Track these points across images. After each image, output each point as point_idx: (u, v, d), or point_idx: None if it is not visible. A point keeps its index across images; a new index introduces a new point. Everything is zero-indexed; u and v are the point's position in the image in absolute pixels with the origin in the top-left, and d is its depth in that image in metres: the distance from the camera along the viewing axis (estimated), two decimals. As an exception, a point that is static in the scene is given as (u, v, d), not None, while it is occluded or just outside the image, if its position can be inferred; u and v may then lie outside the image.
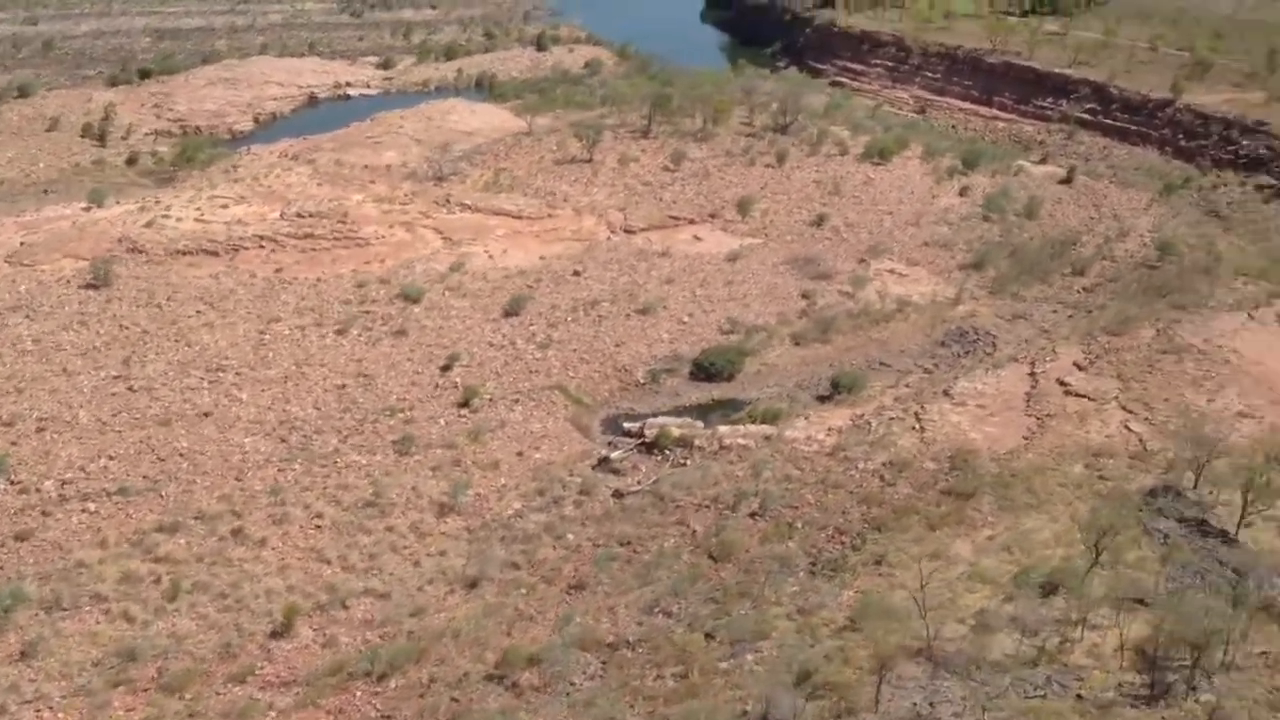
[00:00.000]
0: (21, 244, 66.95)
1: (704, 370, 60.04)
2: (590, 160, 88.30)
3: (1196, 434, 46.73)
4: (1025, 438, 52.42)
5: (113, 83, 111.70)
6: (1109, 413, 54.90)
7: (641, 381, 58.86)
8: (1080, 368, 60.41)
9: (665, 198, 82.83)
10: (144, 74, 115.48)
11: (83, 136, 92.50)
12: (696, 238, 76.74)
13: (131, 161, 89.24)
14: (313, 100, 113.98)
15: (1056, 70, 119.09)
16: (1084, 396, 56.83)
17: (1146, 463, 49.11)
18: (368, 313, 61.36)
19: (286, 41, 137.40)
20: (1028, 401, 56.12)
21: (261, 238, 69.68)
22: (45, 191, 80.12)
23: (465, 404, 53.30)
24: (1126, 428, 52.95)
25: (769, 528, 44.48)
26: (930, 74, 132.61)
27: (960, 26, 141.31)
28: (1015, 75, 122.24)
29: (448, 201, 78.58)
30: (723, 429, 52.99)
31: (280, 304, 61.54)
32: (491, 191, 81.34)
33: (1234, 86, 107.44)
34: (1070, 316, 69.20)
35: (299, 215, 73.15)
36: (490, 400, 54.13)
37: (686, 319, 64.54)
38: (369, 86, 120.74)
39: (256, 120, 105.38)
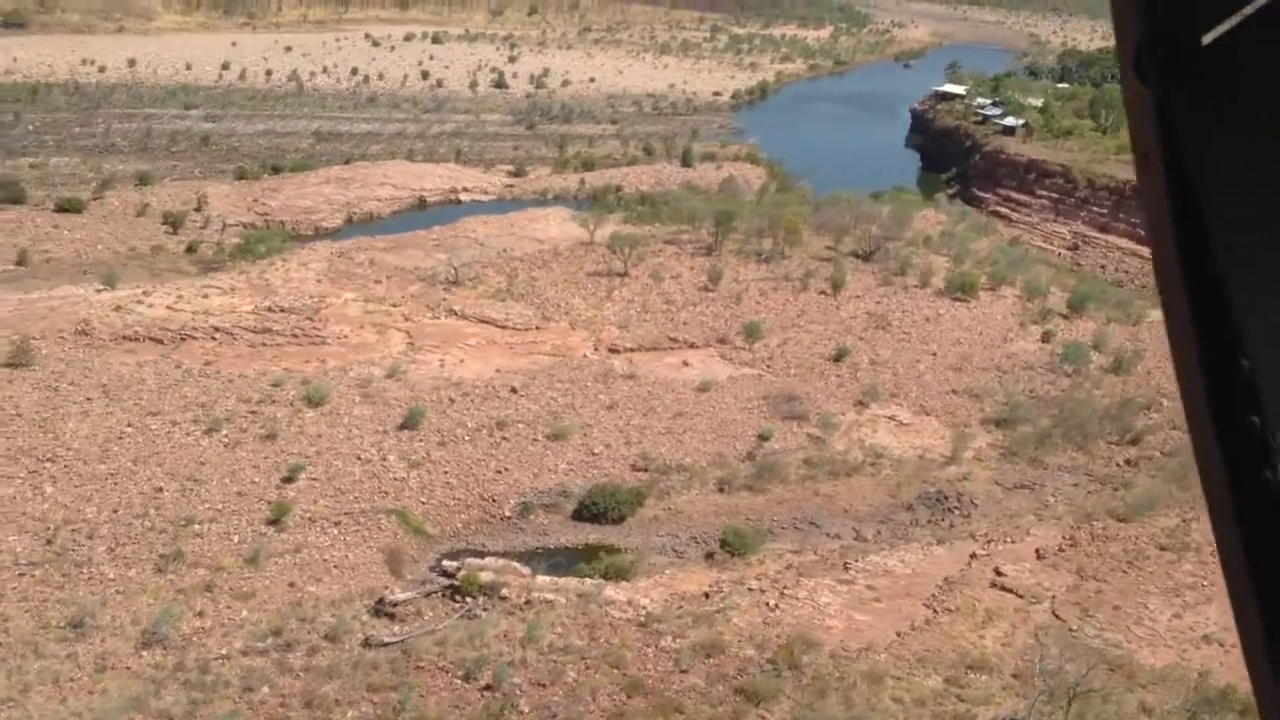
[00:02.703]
0: (-14, 318, 67.94)
1: (588, 510, 52.54)
2: (624, 275, 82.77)
3: (1059, 669, 35.89)
4: (898, 634, 42.30)
5: (240, 176, 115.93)
6: (1031, 616, 43.93)
7: (508, 516, 52.05)
8: (1041, 556, 49.26)
9: (680, 319, 76.02)
10: (275, 170, 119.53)
11: (162, 224, 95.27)
12: (685, 363, 69.40)
13: (190, 250, 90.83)
14: (421, 203, 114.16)
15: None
16: (1012, 592, 45.97)
17: (1025, 687, 38.24)
18: (254, 413, 57.71)
19: (436, 148, 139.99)
20: (938, 590, 45.76)
21: (218, 329, 67.91)
22: (84, 271, 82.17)
23: (274, 521, 48.22)
24: (1036, 638, 41.90)
25: (478, 709, 36.68)
26: (1096, 209, 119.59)
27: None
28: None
29: (438, 306, 74.87)
30: (540, 579, 45.45)
31: (175, 398, 58.86)
32: (495, 299, 77.05)
33: None
34: (1090, 493, 57.17)
35: (271, 310, 71.17)
36: (308, 519, 48.82)
37: (599, 450, 57.30)
38: (485, 193, 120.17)
39: (350, 219, 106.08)
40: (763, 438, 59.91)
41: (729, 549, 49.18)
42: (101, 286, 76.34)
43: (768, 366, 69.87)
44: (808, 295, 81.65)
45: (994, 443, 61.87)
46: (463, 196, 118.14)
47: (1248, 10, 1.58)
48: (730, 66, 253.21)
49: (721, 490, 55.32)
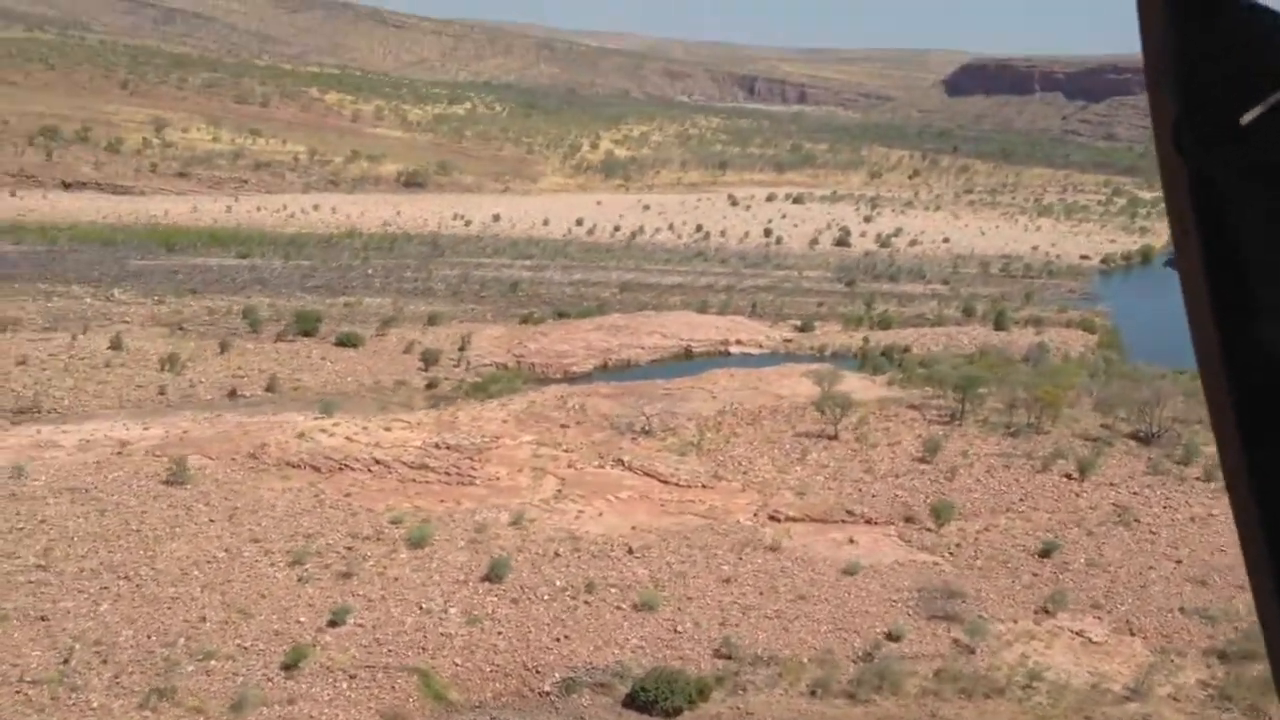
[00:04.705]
0: (184, 435, 71.54)
1: (639, 696, 45.44)
2: (834, 437, 74.92)
3: None
4: None
5: (523, 320, 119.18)
6: None
7: (547, 691, 45.97)
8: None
9: (872, 490, 67.09)
10: (560, 315, 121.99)
11: (419, 361, 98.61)
12: (851, 540, 60.50)
13: (431, 386, 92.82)
14: (687, 353, 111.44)
15: None
16: None
17: None
18: (349, 550, 55.66)
19: (735, 301, 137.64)
20: None
21: (377, 461, 67.51)
22: (319, 401, 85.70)
23: (290, 666, 45.20)
24: None
25: None
26: None
27: None
28: None
29: (609, 455, 70.74)
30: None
31: (290, 527, 58.15)
32: (675, 453, 71.83)
33: None
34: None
35: (438, 446, 70.08)
36: (325, 668, 45.41)
37: (685, 628, 50.02)
38: (761, 346, 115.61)
39: (605, 365, 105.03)
40: (892, 637, 50.04)
41: (774, 770, 40.41)
42: (320, 415, 78.90)
43: (950, 555, 59.42)
44: (1046, 477, 69.82)
45: (1207, 680, 48.15)
46: (733, 349, 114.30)
47: None
48: (1116, 230, 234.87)
49: (813, 694, 46.24)
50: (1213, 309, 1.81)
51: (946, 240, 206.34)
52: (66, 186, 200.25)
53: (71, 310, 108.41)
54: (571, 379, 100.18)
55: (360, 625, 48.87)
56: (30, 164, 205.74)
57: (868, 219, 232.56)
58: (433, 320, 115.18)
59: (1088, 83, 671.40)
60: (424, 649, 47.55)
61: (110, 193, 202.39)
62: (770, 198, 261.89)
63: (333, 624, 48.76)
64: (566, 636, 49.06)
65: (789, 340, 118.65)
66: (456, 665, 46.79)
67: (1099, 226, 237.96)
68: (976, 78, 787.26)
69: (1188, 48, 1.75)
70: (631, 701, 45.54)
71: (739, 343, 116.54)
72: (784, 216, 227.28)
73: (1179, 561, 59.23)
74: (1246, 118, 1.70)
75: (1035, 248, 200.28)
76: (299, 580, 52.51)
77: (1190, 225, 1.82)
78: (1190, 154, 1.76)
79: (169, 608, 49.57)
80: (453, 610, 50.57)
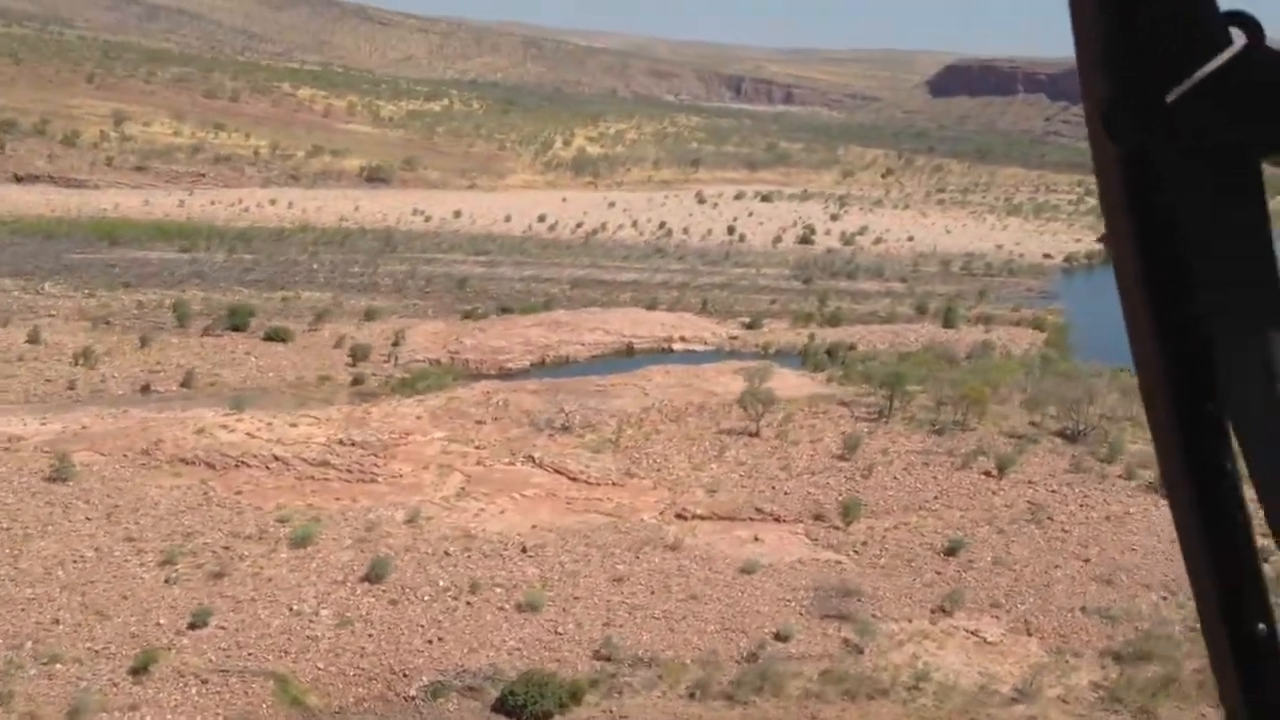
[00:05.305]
0: (81, 430, 69.42)
1: (509, 700, 43.56)
2: (755, 434, 73.17)
3: None
4: None
5: (466, 316, 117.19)
6: None
7: (413, 696, 44.06)
8: None
9: (785, 488, 65.36)
10: (504, 311, 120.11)
11: (348, 356, 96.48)
12: (756, 538, 58.75)
13: (357, 382, 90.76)
14: (629, 350, 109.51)
15: None
16: None
17: None
18: (226, 549, 53.58)
19: (689, 298, 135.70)
20: None
21: (276, 458, 65.42)
22: (235, 397, 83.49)
23: (139, 671, 43.18)
24: None
25: None
26: None
27: None
28: None
29: (520, 452, 68.86)
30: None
31: (169, 526, 55.93)
32: (590, 450, 69.94)
33: None
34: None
35: (342, 443, 68.01)
36: (176, 672, 43.39)
37: (568, 629, 48.19)
38: (705, 343, 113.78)
39: (542, 362, 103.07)
40: (780, 637, 48.27)
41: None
42: (230, 411, 76.74)
43: (855, 553, 57.70)
44: (964, 475, 68.19)
45: (1100, 681, 46.56)
46: (677, 346, 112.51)
47: (1203, 71, 1.73)
48: (1083, 230, 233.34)
49: (692, 696, 44.42)
50: (1145, 287, 1.87)
51: (911, 239, 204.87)
52: (18, 180, 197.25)
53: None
54: (506, 375, 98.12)
55: (222, 627, 46.85)
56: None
57: (834, 217, 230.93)
58: (370, 315, 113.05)
59: (1070, 84, 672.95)
60: (287, 652, 45.57)
61: (63, 186, 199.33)
62: (739, 195, 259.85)
63: (193, 626, 46.70)
64: (440, 638, 47.16)
65: (734, 337, 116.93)
66: (319, 669, 44.82)
67: (1066, 225, 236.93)
68: (961, 79, 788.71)
69: (1116, 24, 1.78)
70: (501, 706, 43.66)
71: (683, 339, 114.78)
72: (750, 214, 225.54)
73: (1087, 560, 57.68)
74: (1171, 96, 1.74)
75: (999, 246, 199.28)
76: (166, 581, 50.43)
77: (1121, 204, 1.86)
78: (1121, 135, 1.80)
79: (23, 609, 47.46)
80: (324, 612, 48.61)
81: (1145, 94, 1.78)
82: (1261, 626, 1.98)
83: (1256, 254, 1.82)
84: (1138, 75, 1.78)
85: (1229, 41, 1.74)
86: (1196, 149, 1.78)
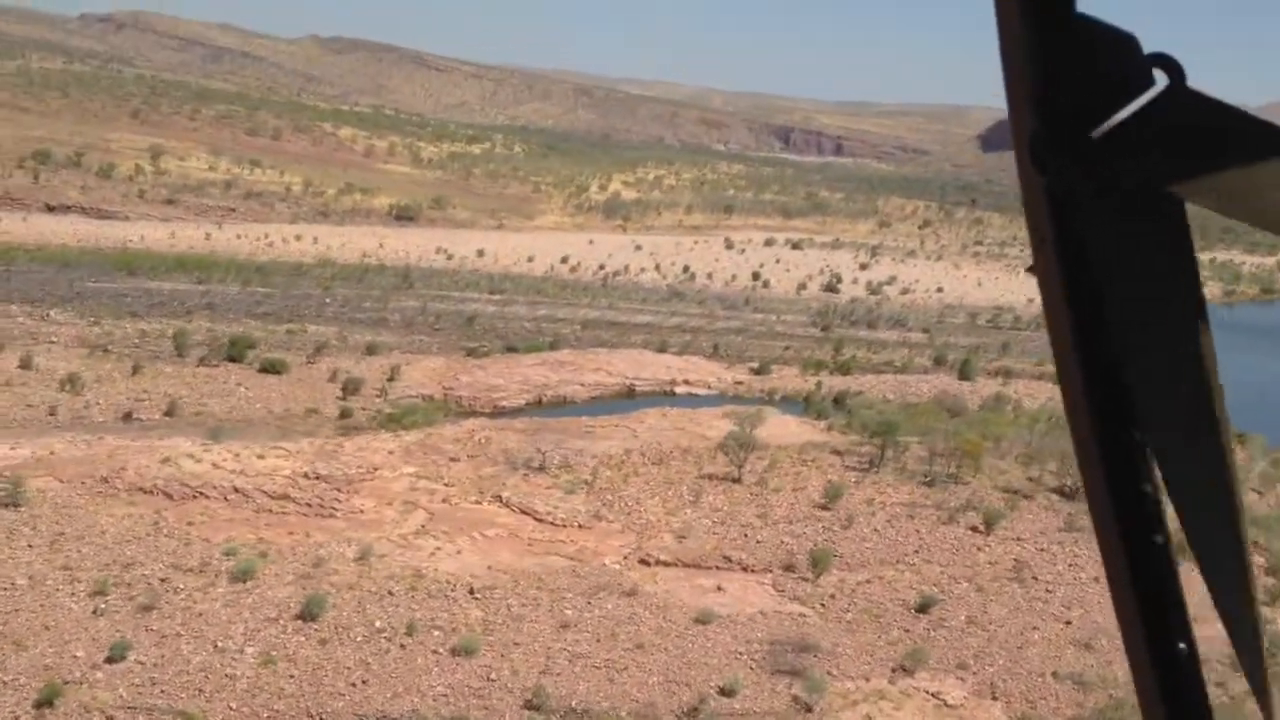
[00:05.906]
0: (48, 456, 68.23)
1: (424, 754, 41.34)
2: (738, 480, 70.74)
3: None
4: None
5: (469, 354, 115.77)
6: None
7: (325, 744, 41.95)
8: None
9: (758, 537, 62.86)
10: (510, 350, 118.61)
11: (340, 390, 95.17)
12: (719, 588, 56.26)
13: (345, 415, 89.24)
14: (630, 392, 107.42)
15: None
16: None
17: None
18: (163, 581, 51.86)
19: (701, 342, 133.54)
20: None
21: (236, 490, 63.80)
22: (220, 425, 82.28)
23: (44, 704, 41.37)
24: None
25: None
26: None
27: None
28: None
29: (488, 492, 66.82)
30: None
31: (111, 556, 54.20)
32: (562, 490, 67.80)
33: None
34: None
35: (307, 476, 66.35)
36: (83, 708, 41.56)
37: (502, 675, 45.88)
38: (709, 387, 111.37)
39: (539, 401, 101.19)
40: (725, 692, 45.69)
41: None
42: (207, 441, 75.41)
43: (821, 606, 55.00)
44: (950, 530, 65.37)
45: (1070, 755, 43.52)
46: (680, 389, 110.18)
47: (1126, 111, 1.75)
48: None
49: (621, 757, 42.01)
50: (1069, 315, 1.90)
51: (940, 290, 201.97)
52: (50, 209, 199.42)
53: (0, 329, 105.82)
54: (498, 414, 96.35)
55: (140, 662, 44.97)
56: (16, 186, 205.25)
57: (864, 266, 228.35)
58: (371, 350, 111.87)
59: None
60: (201, 690, 43.57)
61: (94, 217, 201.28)
62: (769, 242, 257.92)
63: (110, 660, 44.86)
64: (366, 681, 45.01)
65: (740, 382, 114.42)
66: (231, 709, 42.76)
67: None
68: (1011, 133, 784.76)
69: (1044, 61, 1.80)
70: (416, 757, 41.45)
71: (687, 383, 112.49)
72: (777, 261, 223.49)
73: (1068, 623, 54.68)
74: (1096, 133, 1.76)
75: (1031, 300, 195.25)
76: (94, 612, 48.70)
77: (1048, 235, 1.88)
78: (1048, 170, 1.82)
79: (-59, 638, 45.91)
80: (249, 649, 46.61)
81: (1069, 130, 1.78)
82: (1182, 646, 1.98)
83: (1167, 293, 1.82)
84: (1063, 112, 1.78)
85: (1152, 82, 1.73)
86: (1114, 186, 1.78)
